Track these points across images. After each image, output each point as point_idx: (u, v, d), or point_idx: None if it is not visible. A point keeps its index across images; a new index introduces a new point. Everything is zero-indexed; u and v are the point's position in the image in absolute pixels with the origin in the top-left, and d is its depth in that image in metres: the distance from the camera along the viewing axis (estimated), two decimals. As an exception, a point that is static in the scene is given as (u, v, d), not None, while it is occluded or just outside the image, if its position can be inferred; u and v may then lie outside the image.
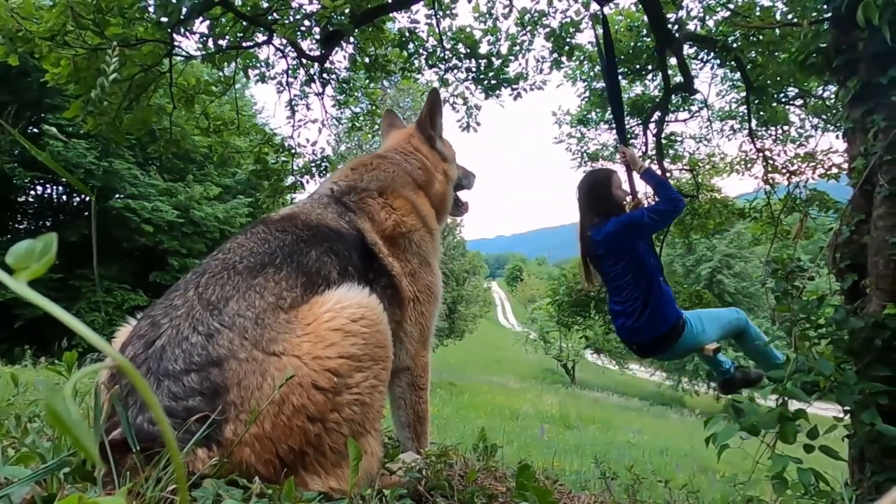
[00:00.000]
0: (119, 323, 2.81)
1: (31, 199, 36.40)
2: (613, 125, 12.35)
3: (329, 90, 13.64)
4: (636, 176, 7.40)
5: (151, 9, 8.76)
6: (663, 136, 15.11)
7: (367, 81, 13.74)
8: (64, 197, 36.33)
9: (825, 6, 6.38)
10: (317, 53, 11.50)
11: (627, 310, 6.67)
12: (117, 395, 2.15)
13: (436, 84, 13.71)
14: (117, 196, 31.96)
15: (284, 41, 10.89)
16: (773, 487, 4.00)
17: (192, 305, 2.44)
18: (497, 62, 13.10)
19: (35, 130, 31.23)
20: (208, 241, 34.81)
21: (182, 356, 2.27)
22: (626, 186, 7.23)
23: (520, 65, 13.34)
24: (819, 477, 3.89)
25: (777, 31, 10.24)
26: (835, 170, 14.28)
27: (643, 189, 8.90)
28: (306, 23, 9.80)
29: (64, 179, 31.76)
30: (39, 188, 35.52)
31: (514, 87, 13.32)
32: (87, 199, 33.69)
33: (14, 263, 0.74)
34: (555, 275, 52.14)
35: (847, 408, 4.79)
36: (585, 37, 12.42)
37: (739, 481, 5.08)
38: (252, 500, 2.03)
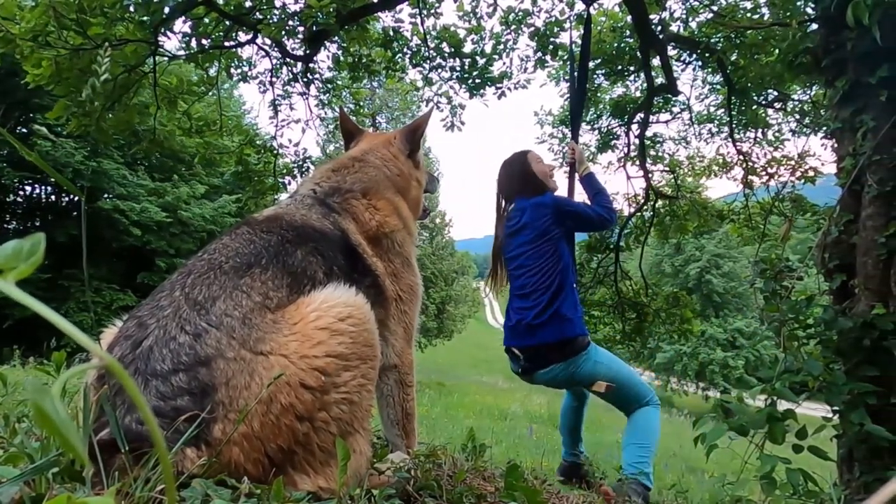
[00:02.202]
0: (108, 323, 2.81)
1: (19, 199, 36.33)
2: (594, 126, 12.33)
3: (313, 90, 13.66)
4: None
5: (132, 8, 8.74)
6: (645, 137, 15.17)
7: (351, 81, 13.72)
8: (53, 197, 36.30)
9: (813, 6, 6.40)
10: (301, 53, 11.50)
11: (528, 304, 6.10)
12: (105, 395, 2.14)
13: (420, 84, 13.79)
14: (106, 196, 31.93)
15: (268, 41, 10.88)
16: (761, 487, 4.02)
17: (178, 306, 2.45)
18: (481, 61, 13.13)
19: (24, 130, 31.20)
20: (196, 240, 34.94)
21: (170, 356, 2.27)
22: (561, 180, 7.10)
23: (504, 64, 13.39)
24: (808, 477, 3.90)
25: (760, 33, 10.27)
26: (811, 173, 14.34)
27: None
28: (290, 22, 9.78)
29: (53, 179, 31.73)
30: (28, 188, 35.49)
31: (499, 86, 13.35)
32: (76, 199, 33.66)
33: (1, 264, 0.73)
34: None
35: (836, 408, 4.81)
36: (569, 36, 12.46)
37: (728, 481, 5.09)
38: (241, 499, 2.03)
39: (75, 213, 34.67)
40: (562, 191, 7.04)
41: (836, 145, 5.89)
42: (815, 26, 6.20)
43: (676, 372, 55.78)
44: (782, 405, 4.29)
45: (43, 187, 35.36)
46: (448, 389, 34.93)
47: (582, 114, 8.44)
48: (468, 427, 5.23)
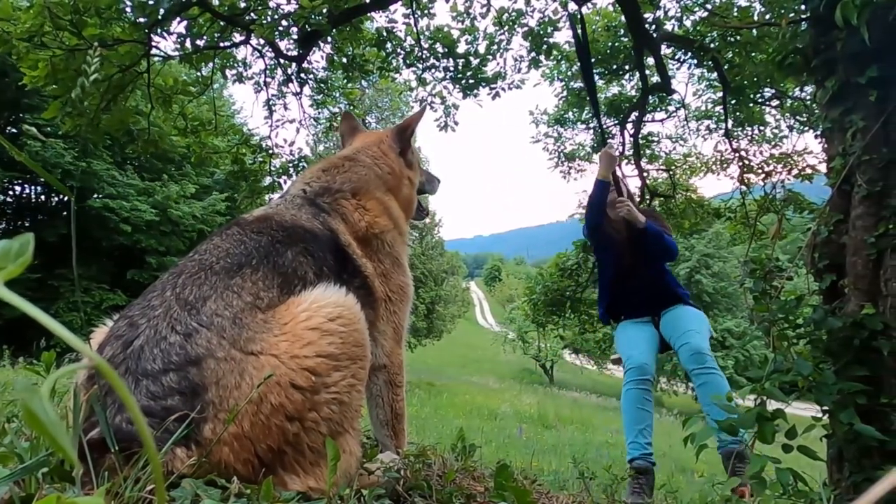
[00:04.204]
0: (98, 323, 2.81)
1: (9, 200, 36.18)
2: (590, 125, 12.42)
3: (307, 90, 13.66)
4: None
5: (129, 9, 8.74)
6: (640, 136, 15.19)
7: (346, 81, 13.73)
8: (42, 197, 36.16)
9: (803, 6, 6.40)
10: (294, 53, 11.51)
11: None
12: (96, 395, 2.15)
13: (413, 84, 13.79)
14: (96, 196, 31.75)
15: (262, 41, 10.89)
16: (751, 487, 4.02)
17: (169, 306, 2.45)
18: (475, 61, 13.16)
19: (14, 131, 31.10)
20: (186, 239, 34.90)
21: (160, 356, 2.27)
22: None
23: (498, 64, 13.44)
24: (797, 477, 3.90)
25: (754, 31, 10.28)
26: (809, 170, 14.36)
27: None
28: (284, 23, 9.79)
29: (42, 179, 31.64)
30: (18, 188, 35.36)
31: (492, 86, 13.40)
32: (66, 199, 33.55)
33: (-9, 264, 0.73)
34: (532, 275, 52.28)
35: (825, 408, 4.81)
36: (563, 36, 12.50)
37: (718, 481, 5.10)
38: (230, 499, 2.03)
39: (65, 213, 34.60)
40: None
41: (825, 145, 5.90)
42: (805, 26, 6.21)
43: (666, 372, 55.62)
44: (772, 405, 4.29)
45: (33, 187, 35.24)
46: (438, 389, 34.96)
47: (600, 116, 8.60)
48: (458, 427, 5.26)
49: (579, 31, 8.24)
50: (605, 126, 16.27)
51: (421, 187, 4.48)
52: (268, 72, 12.75)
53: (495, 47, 13.13)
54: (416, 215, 4.51)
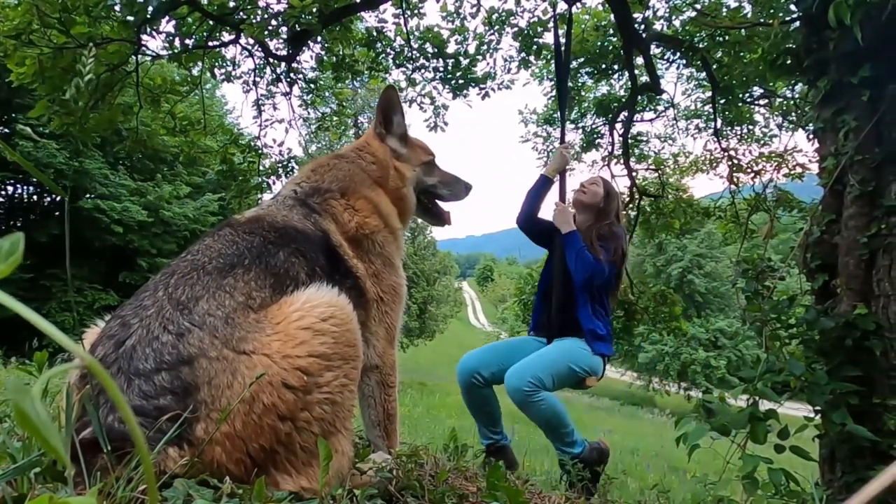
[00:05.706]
0: (90, 323, 2.81)
1: (1, 199, 36.05)
2: (578, 125, 12.37)
3: (296, 90, 13.65)
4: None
5: (117, 7, 8.73)
6: (630, 135, 15.20)
7: (335, 81, 13.72)
8: (35, 197, 36.01)
9: (794, 6, 6.41)
10: (284, 53, 11.50)
11: None
12: (88, 394, 2.14)
13: (403, 84, 13.76)
14: (88, 196, 31.66)
15: (251, 41, 10.88)
16: (743, 487, 4.03)
17: (161, 305, 2.45)
18: (465, 62, 13.19)
19: (6, 130, 31.04)
20: (178, 240, 34.85)
21: (153, 355, 2.27)
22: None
23: (487, 64, 13.45)
24: (790, 477, 3.92)
25: (743, 31, 10.28)
26: (799, 169, 14.35)
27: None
28: (273, 22, 9.78)
29: (35, 179, 31.60)
30: (10, 188, 35.24)
31: (482, 86, 13.42)
32: (58, 199, 33.43)
33: (-18, 264, 0.73)
34: (524, 274, 52.23)
35: (818, 408, 4.83)
36: (553, 36, 12.48)
37: (710, 481, 5.10)
38: (223, 499, 2.02)
39: (57, 213, 34.46)
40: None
41: (818, 145, 5.91)
42: (797, 25, 6.21)
43: (658, 372, 55.76)
44: (764, 405, 4.30)
45: (25, 187, 35.14)
46: (430, 389, 35.03)
47: (565, 114, 8.33)
48: (450, 427, 5.25)
49: (561, 29, 8.16)
50: (594, 126, 16.33)
51: (434, 190, 4.38)
52: (257, 71, 12.74)
53: (485, 47, 13.14)
54: (435, 220, 4.52)
